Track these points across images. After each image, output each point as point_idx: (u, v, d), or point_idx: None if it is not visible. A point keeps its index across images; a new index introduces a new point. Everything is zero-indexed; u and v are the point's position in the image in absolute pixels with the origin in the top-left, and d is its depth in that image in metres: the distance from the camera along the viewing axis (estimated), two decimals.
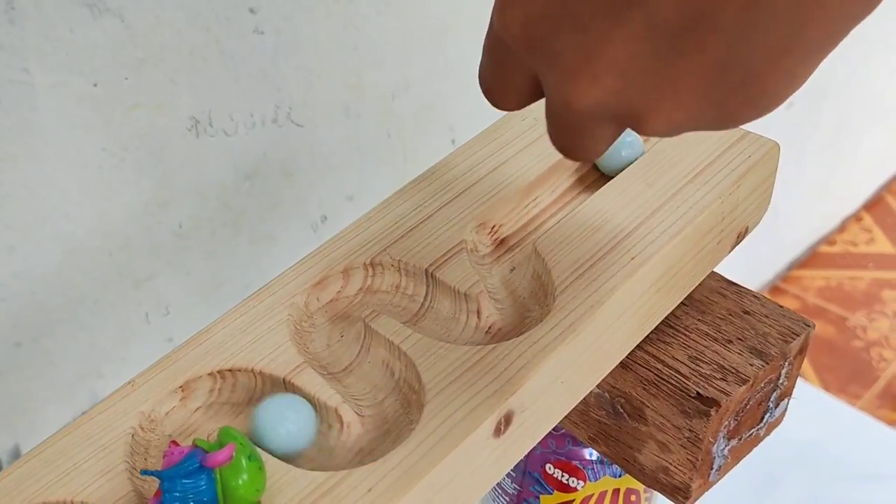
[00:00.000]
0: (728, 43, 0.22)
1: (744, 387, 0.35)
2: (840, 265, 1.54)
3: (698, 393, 0.35)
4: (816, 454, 1.08)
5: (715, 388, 0.35)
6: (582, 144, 0.26)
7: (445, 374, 0.31)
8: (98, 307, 0.58)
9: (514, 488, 0.44)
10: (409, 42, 0.68)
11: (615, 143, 0.34)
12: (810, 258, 1.55)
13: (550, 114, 0.26)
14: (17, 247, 0.53)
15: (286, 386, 0.32)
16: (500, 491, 0.45)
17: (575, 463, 0.41)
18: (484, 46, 0.27)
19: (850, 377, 1.36)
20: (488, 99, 0.28)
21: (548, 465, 0.42)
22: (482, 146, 0.40)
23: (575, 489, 0.42)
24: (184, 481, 0.27)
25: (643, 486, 0.43)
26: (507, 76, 0.27)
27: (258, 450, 0.29)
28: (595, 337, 0.33)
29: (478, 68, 0.28)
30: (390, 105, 0.69)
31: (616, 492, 0.42)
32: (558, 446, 0.41)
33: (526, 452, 0.33)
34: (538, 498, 0.43)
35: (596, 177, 0.40)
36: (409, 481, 0.28)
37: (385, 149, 0.71)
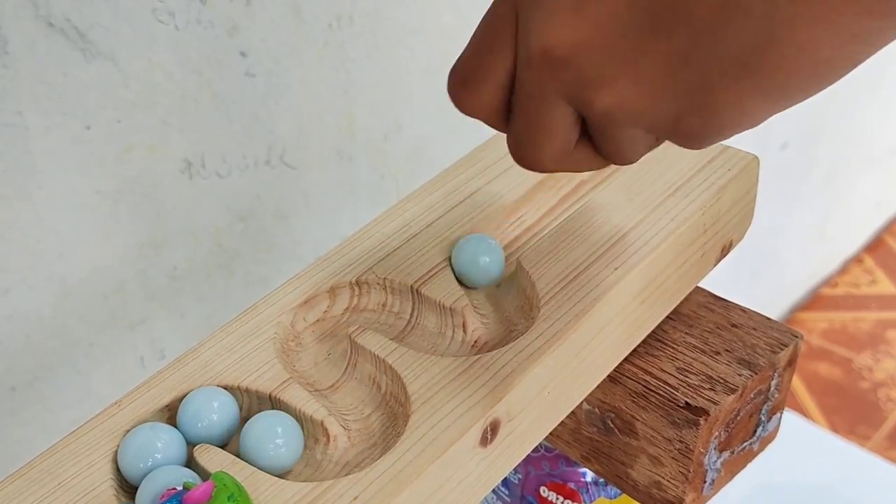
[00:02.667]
0: (695, 38, 0.22)
1: (732, 396, 0.35)
2: (843, 307, 1.53)
3: (687, 403, 0.35)
4: (829, 498, 1.07)
5: (703, 397, 0.35)
6: (538, 133, 0.26)
7: (431, 384, 0.31)
8: (93, 351, 0.58)
9: None
10: (400, 85, 0.69)
11: (474, 252, 0.35)
12: (813, 301, 1.55)
13: (520, 84, 0.26)
14: (12, 289, 0.53)
15: (272, 402, 0.32)
16: None
17: (570, 485, 0.41)
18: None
19: (857, 418, 1.34)
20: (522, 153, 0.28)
21: (542, 489, 0.41)
22: (465, 169, 0.41)
23: None
24: None
25: None
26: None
27: (247, 493, 0.28)
28: (580, 347, 0.33)
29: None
30: (383, 147, 0.70)
31: None
32: (552, 468, 0.41)
33: (515, 465, 0.33)
34: None
35: (579, 195, 0.41)
36: (395, 489, 0.28)
37: (379, 190, 0.72)
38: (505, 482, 0.43)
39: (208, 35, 0.56)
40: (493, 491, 0.44)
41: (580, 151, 0.28)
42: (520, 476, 0.42)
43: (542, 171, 0.28)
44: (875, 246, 1.66)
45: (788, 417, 1.31)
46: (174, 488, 0.28)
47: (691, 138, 0.24)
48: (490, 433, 0.31)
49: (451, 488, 0.30)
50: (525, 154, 0.27)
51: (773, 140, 1.21)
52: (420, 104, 0.71)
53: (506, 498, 0.43)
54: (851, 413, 1.35)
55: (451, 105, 0.78)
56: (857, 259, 1.63)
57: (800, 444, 1.18)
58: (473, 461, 0.31)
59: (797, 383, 1.39)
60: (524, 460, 0.42)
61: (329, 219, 0.69)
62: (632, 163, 0.29)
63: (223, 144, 0.60)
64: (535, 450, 0.42)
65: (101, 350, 0.59)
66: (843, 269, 1.61)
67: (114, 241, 0.57)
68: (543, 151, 0.27)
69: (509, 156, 0.41)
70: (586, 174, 0.41)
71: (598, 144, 0.27)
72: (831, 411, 1.36)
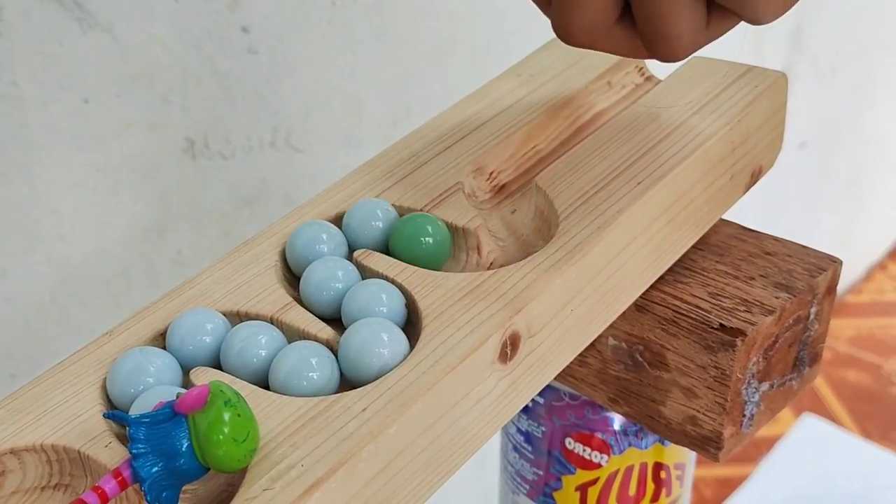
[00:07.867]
0: None
1: (770, 318, 0.33)
2: (869, 314, 1.50)
3: (721, 324, 0.32)
4: None
5: (739, 318, 0.33)
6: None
7: (444, 299, 0.29)
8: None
9: (535, 473, 0.40)
10: (408, 68, 0.68)
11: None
12: (838, 308, 1.51)
13: None
14: (10, 270, 0.51)
15: (274, 324, 0.30)
16: (519, 479, 0.41)
17: (598, 435, 0.38)
18: None
19: (890, 424, 1.30)
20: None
21: (568, 440, 0.39)
22: (475, 102, 0.39)
23: (599, 465, 0.39)
24: (151, 427, 0.24)
25: (673, 462, 0.40)
26: None
27: (246, 402, 0.25)
28: (603, 262, 0.31)
29: None
30: (391, 133, 0.68)
31: (644, 467, 0.39)
32: (578, 417, 0.38)
33: (538, 390, 0.30)
34: (560, 480, 0.39)
35: (596, 126, 0.38)
36: (407, 400, 0.26)
37: None
38: (528, 437, 0.40)
39: (208, 8, 0.55)
40: (516, 448, 0.41)
41: (621, 29, 0.27)
42: (543, 429, 0.39)
43: (580, 44, 0.27)
44: None
45: (820, 425, 1.27)
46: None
47: None
48: (510, 348, 0.28)
49: (470, 406, 0.28)
50: (565, 18, 0.26)
51: (790, 139, 1.19)
52: (428, 89, 0.69)
53: (529, 455, 0.40)
54: (883, 419, 1.31)
55: (460, 90, 0.76)
56: (880, 265, 1.59)
57: (832, 451, 1.14)
58: (493, 378, 0.28)
59: (826, 390, 1.35)
60: (547, 411, 0.39)
61: None
62: (676, 56, 0.27)
63: (226, 124, 0.58)
64: (559, 398, 0.39)
65: None
66: (868, 276, 1.57)
67: (115, 223, 0.55)
68: (584, 12, 0.26)
69: (519, 88, 0.40)
70: (605, 103, 0.39)
71: (641, 18, 0.26)
72: (863, 418, 1.32)
